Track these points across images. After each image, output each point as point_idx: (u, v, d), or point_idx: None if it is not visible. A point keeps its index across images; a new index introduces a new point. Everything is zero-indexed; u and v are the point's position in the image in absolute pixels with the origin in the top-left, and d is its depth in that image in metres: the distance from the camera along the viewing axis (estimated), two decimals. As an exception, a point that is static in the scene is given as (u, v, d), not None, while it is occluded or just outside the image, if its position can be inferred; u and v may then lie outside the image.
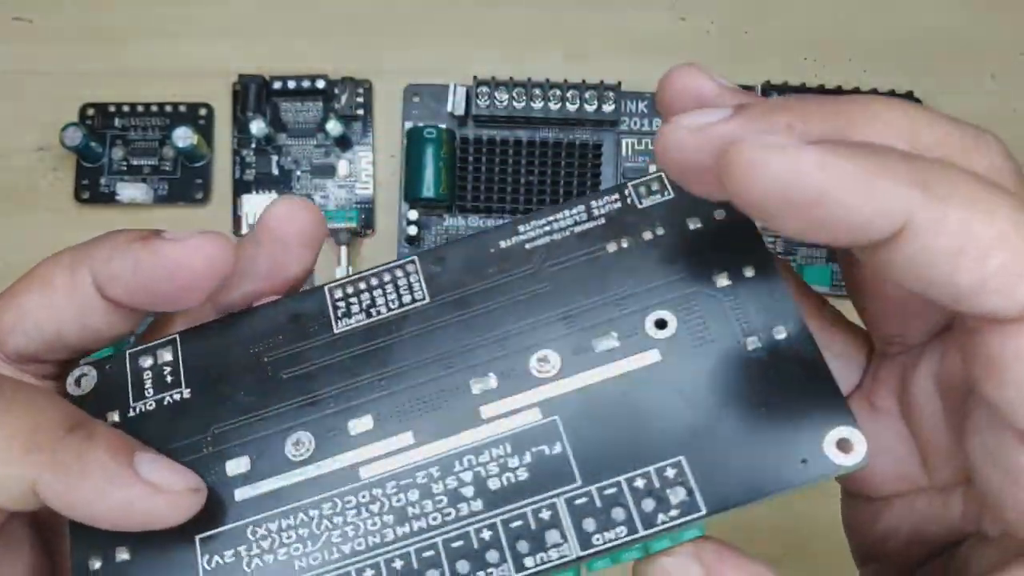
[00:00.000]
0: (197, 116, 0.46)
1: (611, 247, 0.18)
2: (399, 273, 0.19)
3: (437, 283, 0.18)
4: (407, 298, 0.18)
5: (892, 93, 0.45)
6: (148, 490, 0.16)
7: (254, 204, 0.45)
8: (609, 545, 0.15)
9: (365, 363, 0.18)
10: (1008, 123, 0.46)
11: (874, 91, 0.44)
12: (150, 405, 0.18)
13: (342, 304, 0.19)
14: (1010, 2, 0.47)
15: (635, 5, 0.47)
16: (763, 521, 0.44)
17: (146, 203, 0.45)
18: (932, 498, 0.19)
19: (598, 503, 0.16)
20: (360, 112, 0.45)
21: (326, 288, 0.19)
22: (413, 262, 0.19)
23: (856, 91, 0.44)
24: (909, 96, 0.45)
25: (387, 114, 0.46)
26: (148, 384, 0.18)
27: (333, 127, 0.44)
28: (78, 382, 0.18)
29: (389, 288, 0.19)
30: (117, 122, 0.45)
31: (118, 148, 0.45)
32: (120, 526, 0.16)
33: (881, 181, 0.13)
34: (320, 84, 0.45)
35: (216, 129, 0.46)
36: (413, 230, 0.44)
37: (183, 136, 0.43)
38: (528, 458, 0.16)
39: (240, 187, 0.45)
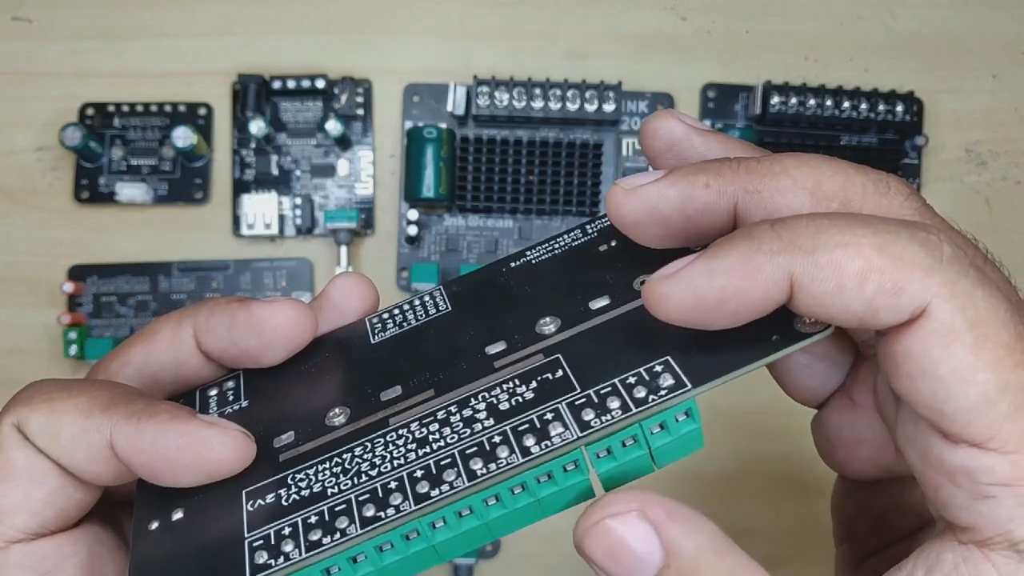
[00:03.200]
0: (196, 116, 0.46)
1: (603, 247, 0.21)
2: (426, 298, 0.22)
3: (457, 297, 0.22)
4: (432, 310, 0.22)
5: (892, 93, 0.45)
6: (206, 426, 0.18)
7: (254, 204, 0.45)
8: (606, 426, 0.17)
9: (397, 358, 0.21)
10: (1008, 123, 0.46)
11: (875, 91, 0.44)
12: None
13: (378, 324, 0.22)
14: (1010, 2, 0.47)
15: (635, 5, 0.46)
16: (758, 524, 0.44)
17: (145, 203, 0.45)
18: (904, 485, 0.21)
19: (595, 399, 0.17)
20: (360, 112, 0.45)
21: (366, 319, 0.22)
22: (439, 288, 0.22)
23: (857, 91, 0.44)
24: (909, 96, 0.45)
25: (387, 114, 0.46)
26: (213, 404, 0.21)
27: (333, 127, 0.44)
28: None
29: (418, 307, 0.22)
30: (116, 122, 0.45)
31: (117, 148, 0.45)
32: (182, 464, 0.18)
33: (758, 258, 0.16)
34: (320, 84, 0.45)
35: (216, 129, 0.46)
36: (413, 230, 0.44)
37: (182, 136, 0.43)
38: (534, 384, 0.18)
39: (240, 187, 0.45)
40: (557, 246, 0.22)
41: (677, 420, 0.17)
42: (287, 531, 0.17)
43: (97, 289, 0.45)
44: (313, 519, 0.17)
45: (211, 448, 0.18)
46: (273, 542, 0.17)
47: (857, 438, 0.21)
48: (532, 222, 0.45)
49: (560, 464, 0.17)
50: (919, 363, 0.16)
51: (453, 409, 0.18)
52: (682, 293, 0.16)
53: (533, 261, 0.22)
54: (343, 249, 0.44)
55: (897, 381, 0.16)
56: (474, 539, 0.17)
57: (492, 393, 0.18)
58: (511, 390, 0.18)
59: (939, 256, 0.16)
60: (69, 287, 0.44)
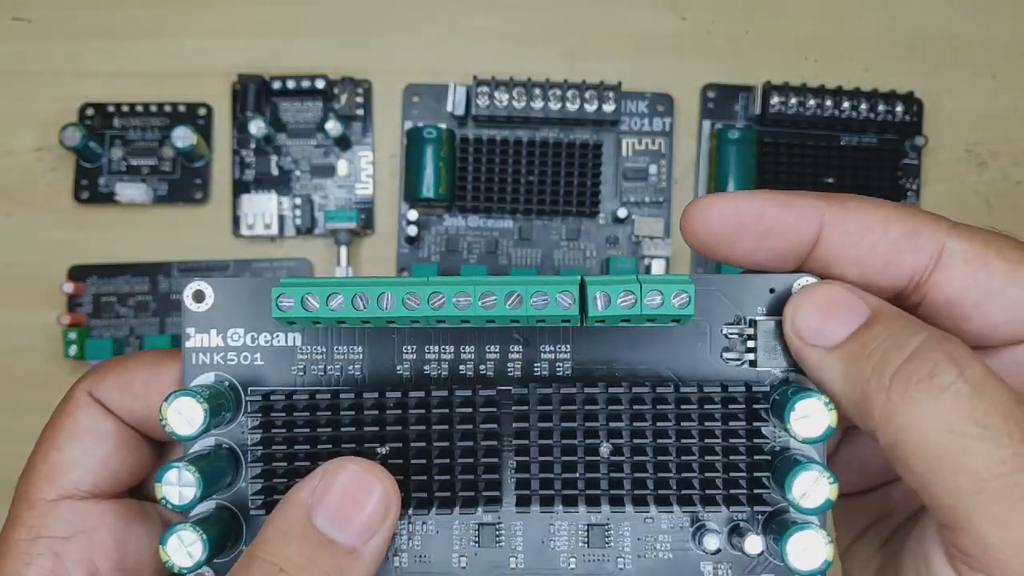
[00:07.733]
0: (196, 116, 0.46)
1: None
2: None
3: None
4: None
5: (892, 93, 0.45)
6: None
7: (253, 204, 0.45)
8: (607, 279, 0.18)
9: None
10: (1008, 123, 0.46)
11: (875, 91, 0.44)
12: None
13: None
14: (1010, 2, 0.47)
15: (635, 5, 0.46)
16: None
17: (145, 203, 0.45)
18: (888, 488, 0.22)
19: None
20: (360, 112, 0.45)
21: None
22: None
23: (857, 91, 0.44)
24: (909, 96, 0.45)
25: (387, 114, 0.46)
26: None
27: (333, 127, 0.44)
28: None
29: None
30: (116, 122, 0.45)
31: (117, 148, 0.45)
32: None
33: (795, 198, 0.19)
34: (320, 84, 0.45)
35: (215, 129, 0.46)
36: (413, 230, 0.44)
37: (182, 136, 0.43)
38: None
39: (239, 187, 0.45)
40: None
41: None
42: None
43: (97, 289, 0.45)
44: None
45: None
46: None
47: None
48: (532, 222, 0.45)
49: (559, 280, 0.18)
50: (970, 292, 0.18)
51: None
52: (724, 206, 0.19)
53: None
54: (343, 249, 0.44)
55: (969, 322, 0.18)
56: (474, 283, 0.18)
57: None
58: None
59: (942, 217, 0.19)
60: (69, 287, 0.44)
